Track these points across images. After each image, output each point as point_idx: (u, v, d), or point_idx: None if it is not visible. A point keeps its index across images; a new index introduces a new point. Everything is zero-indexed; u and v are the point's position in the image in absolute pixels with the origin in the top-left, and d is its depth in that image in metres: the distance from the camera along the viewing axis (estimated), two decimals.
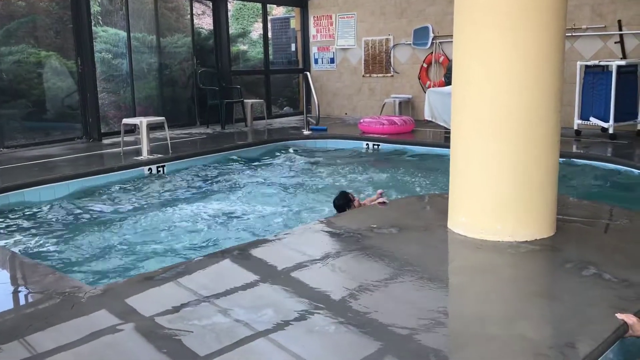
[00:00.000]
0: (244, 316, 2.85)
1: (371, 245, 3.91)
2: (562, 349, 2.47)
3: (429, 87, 10.71)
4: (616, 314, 2.68)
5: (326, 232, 4.28)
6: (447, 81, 10.42)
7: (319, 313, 2.88)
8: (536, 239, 3.86)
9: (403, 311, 2.91)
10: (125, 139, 8.15)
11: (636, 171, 6.48)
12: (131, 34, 10.09)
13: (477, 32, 3.85)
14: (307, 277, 3.35)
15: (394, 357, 2.49)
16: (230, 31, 11.95)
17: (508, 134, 3.81)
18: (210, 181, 7.07)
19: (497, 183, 3.88)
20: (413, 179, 7.04)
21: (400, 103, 11.31)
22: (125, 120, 8.09)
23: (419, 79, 11.34)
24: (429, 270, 3.42)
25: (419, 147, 8.55)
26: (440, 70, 11.04)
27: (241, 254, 3.77)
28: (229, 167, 7.94)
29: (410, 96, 11.45)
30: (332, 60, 12.67)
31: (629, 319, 2.65)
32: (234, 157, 8.39)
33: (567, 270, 3.40)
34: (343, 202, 4.94)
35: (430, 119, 9.21)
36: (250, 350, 2.54)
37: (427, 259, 3.63)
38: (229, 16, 11.88)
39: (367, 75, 12.17)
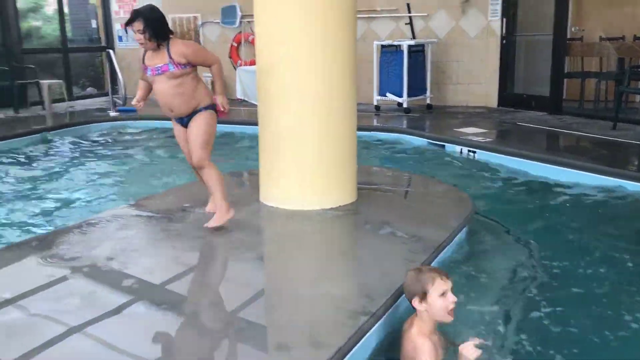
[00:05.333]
0: (45, 308, 2.68)
1: (184, 225, 3.89)
2: (361, 301, 2.72)
3: (240, 65, 10.78)
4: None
5: (135, 215, 4.15)
6: None
7: (129, 298, 2.82)
8: (340, 206, 4.15)
9: (217, 285, 2.97)
10: None
11: (427, 140, 7.21)
12: None
13: (275, 12, 3.98)
14: (116, 264, 3.24)
15: (207, 330, 2.53)
16: (19, 5, 10.81)
17: (310, 107, 4.01)
18: (4, 170, 6.41)
19: (303, 154, 4.08)
20: (227, 157, 7.07)
21: (212, 82, 11.20)
22: None
23: (230, 57, 11.32)
24: (244, 245, 3.51)
25: (233, 126, 8.58)
26: (250, 49, 11.12)
27: (41, 244, 3.52)
28: (25, 153, 7.25)
29: None
30: None
31: None
32: (31, 142, 7.69)
33: (367, 231, 3.73)
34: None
35: (242, 97, 9.30)
36: (53, 342, 2.41)
37: (241, 234, 3.71)
38: None
39: None
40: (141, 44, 3.49)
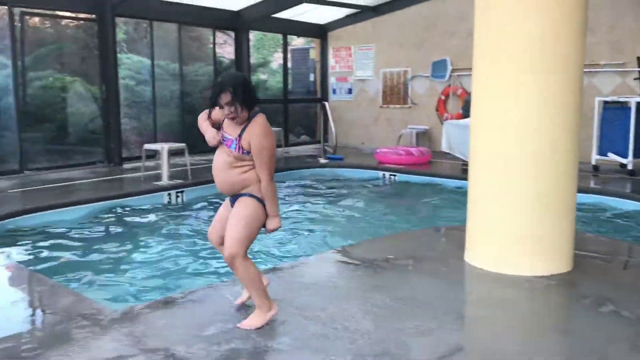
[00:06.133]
0: (262, 342, 2.88)
1: (388, 276, 3.93)
2: None
3: (447, 119, 10.78)
4: None
5: (342, 262, 4.30)
6: (465, 114, 10.49)
7: (335, 343, 2.90)
8: (553, 274, 3.86)
9: (419, 345, 2.92)
10: (146, 164, 8.28)
11: None
12: (155, 62, 10.32)
13: (495, 68, 3.92)
14: (323, 307, 3.37)
15: None
16: (251, 60, 12.16)
17: (526, 168, 3.85)
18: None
19: (515, 217, 3.90)
20: (429, 210, 7.06)
21: (417, 134, 11.38)
22: (146, 146, 8.24)
23: (437, 110, 11.42)
24: (446, 303, 3.43)
25: (435, 179, 8.58)
26: (457, 103, 11.11)
27: None
28: None
29: (427, 127, 11.52)
30: (350, 91, 12.82)
31: None
32: None
33: (585, 306, 3.40)
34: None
35: (447, 150, 9.25)
36: None
37: (444, 291, 3.64)
38: (250, 46, 12.10)
39: (385, 106, 12.28)
40: (232, 118, 2.98)
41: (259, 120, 3.01)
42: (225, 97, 2.90)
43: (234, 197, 3.10)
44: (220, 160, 3.07)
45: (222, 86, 2.91)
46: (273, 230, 3.13)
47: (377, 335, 3.00)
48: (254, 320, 3.07)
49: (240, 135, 2.98)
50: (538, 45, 3.76)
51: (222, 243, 3.17)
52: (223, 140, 3.07)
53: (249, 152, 2.99)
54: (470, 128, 4.22)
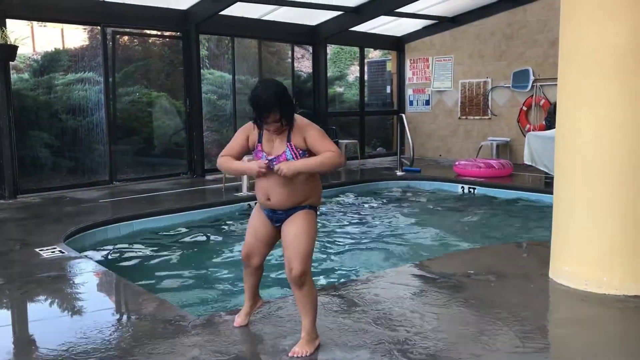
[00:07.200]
0: (341, 354, 2.88)
1: (467, 292, 3.84)
2: None
3: (529, 130, 10.43)
4: None
5: (420, 276, 4.24)
6: (548, 125, 10.11)
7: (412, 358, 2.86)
8: None
9: None
10: (227, 175, 8.51)
11: None
12: (235, 77, 10.64)
13: (583, 78, 3.77)
14: (399, 321, 3.34)
15: None
16: (328, 74, 12.29)
17: (616, 181, 3.66)
18: None
19: (604, 232, 3.71)
20: (510, 225, 6.84)
21: (497, 146, 11.08)
22: None
23: (518, 122, 11.08)
24: (529, 322, 3.30)
25: (517, 192, 8.31)
26: (540, 114, 10.74)
27: (335, 293, 3.82)
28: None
29: (508, 139, 11.20)
30: (427, 102, 12.68)
31: None
32: (325, 197, 8.53)
33: None
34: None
35: (530, 163, 8.92)
36: None
37: (527, 309, 3.50)
38: (327, 59, 12.23)
39: (463, 117, 12.05)
40: (275, 130, 2.84)
41: (299, 118, 2.91)
42: (274, 117, 2.77)
43: (286, 212, 2.93)
44: (272, 174, 2.85)
45: (269, 107, 2.75)
46: (262, 167, 2.83)
47: (458, 352, 2.93)
48: (306, 347, 2.90)
49: (289, 141, 2.85)
50: (628, 54, 3.58)
51: (261, 264, 3.18)
52: (272, 162, 2.85)
53: (306, 152, 2.86)
54: (555, 140, 4.07)
